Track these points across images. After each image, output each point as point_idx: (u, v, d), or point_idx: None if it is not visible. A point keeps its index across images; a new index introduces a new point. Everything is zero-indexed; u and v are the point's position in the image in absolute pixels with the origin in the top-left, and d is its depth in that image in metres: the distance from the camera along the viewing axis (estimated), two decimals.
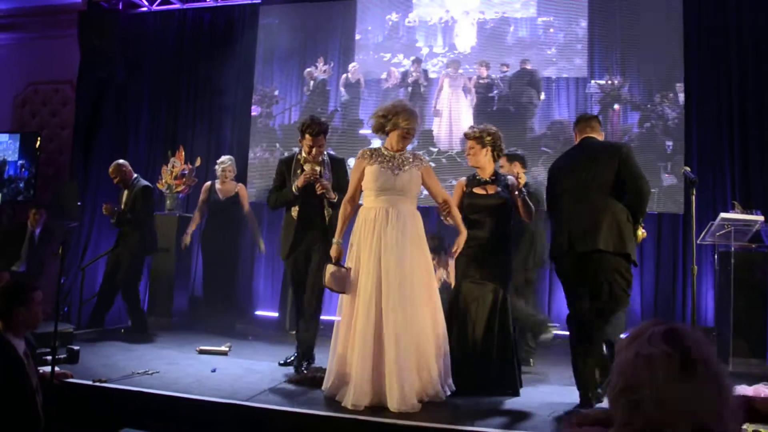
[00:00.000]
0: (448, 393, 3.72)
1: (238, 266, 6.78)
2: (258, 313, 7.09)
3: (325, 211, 4.45)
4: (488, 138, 4.05)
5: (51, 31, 8.47)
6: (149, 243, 6.13)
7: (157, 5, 7.88)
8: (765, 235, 5.22)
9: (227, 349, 5.10)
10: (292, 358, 4.55)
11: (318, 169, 4.42)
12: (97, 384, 3.77)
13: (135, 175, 6.13)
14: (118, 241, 6.05)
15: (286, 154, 6.40)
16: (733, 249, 5.12)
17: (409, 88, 7.08)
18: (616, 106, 6.50)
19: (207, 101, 7.67)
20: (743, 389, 4.01)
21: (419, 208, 3.95)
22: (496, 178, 4.11)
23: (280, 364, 4.59)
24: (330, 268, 3.72)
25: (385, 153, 3.80)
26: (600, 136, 3.97)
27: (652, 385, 1.16)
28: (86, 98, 7.90)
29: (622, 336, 3.60)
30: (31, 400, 2.91)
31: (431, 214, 6.45)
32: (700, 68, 6.29)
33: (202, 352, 5.03)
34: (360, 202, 3.91)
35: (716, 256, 5.52)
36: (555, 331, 4.94)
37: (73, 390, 3.72)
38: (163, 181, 6.78)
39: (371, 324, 3.52)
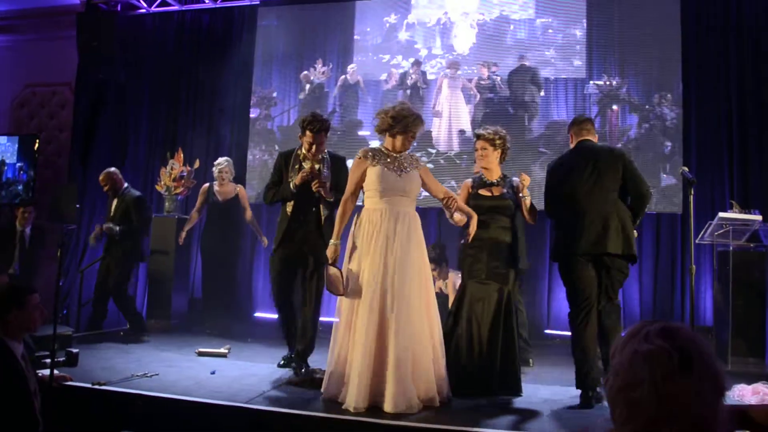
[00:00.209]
0: (447, 397, 3.72)
1: (237, 268, 6.78)
2: (257, 314, 7.09)
3: (321, 211, 4.41)
4: (499, 141, 4.11)
5: (49, 32, 8.46)
6: (137, 253, 6.19)
7: (156, 7, 7.87)
8: (763, 234, 5.23)
9: (226, 351, 5.10)
10: (287, 359, 4.55)
11: (317, 167, 4.39)
12: (97, 387, 3.77)
13: (125, 184, 6.19)
14: (106, 251, 6.10)
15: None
16: (731, 249, 5.13)
17: (408, 90, 7.08)
18: (614, 107, 6.51)
19: (206, 103, 7.66)
20: (742, 388, 4.03)
21: (419, 210, 3.96)
22: (503, 179, 4.14)
23: (279, 366, 4.59)
24: (332, 270, 3.70)
25: (387, 154, 3.79)
26: (594, 138, 4.04)
27: (652, 382, 1.16)
28: (85, 100, 7.90)
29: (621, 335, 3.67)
30: (29, 403, 2.90)
31: (430, 218, 6.46)
32: (699, 68, 6.29)
33: (201, 354, 5.03)
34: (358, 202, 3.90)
35: (715, 256, 5.53)
36: (552, 332, 4.96)
37: (73, 393, 3.72)
38: (162, 183, 6.77)
39: (373, 325, 3.50)
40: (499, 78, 6.83)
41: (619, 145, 6.40)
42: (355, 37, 7.34)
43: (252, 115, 7.51)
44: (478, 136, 4.16)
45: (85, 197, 7.60)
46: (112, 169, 6.23)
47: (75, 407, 3.66)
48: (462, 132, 6.89)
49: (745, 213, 5.16)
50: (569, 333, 4.05)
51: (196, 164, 6.90)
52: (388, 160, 3.75)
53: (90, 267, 6.78)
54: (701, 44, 6.31)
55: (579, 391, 3.82)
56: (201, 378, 4.21)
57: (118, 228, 5.89)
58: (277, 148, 7.32)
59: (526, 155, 6.47)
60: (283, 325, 4.62)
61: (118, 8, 7.92)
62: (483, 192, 4.12)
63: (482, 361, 3.95)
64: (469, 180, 4.27)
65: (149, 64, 7.86)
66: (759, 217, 5.09)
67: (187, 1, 7.85)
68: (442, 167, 6.82)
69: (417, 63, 7.09)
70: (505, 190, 4.10)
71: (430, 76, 7.07)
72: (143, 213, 6.12)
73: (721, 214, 5.15)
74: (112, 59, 7.65)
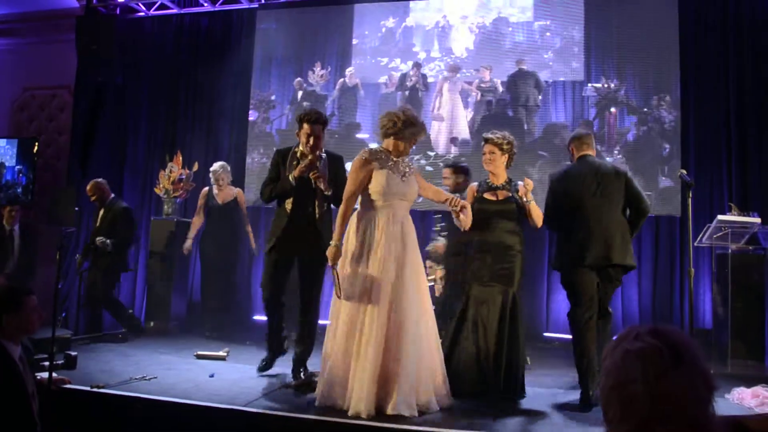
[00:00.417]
0: (446, 400, 3.72)
1: (236, 271, 6.77)
2: (256, 317, 7.08)
3: (316, 209, 4.31)
4: (507, 145, 4.16)
5: (48, 36, 8.48)
6: (122, 264, 6.29)
7: (155, 10, 7.88)
8: (762, 237, 5.23)
9: (225, 354, 5.10)
10: (267, 361, 4.50)
11: (323, 157, 4.33)
12: (95, 390, 3.77)
13: (112, 195, 6.32)
14: (93, 261, 6.15)
15: None
16: (730, 251, 5.14)
17: (407, 92, 7.09)
18: (612, 110, 6.52)
19: (204, 106, 7.67)
20: (741, 391, 4.03)
21: (420, 212, 3.97)
22: (508, 183, 4.18)
23: (260, 369, 4.49)
24: (333, 273, 3.65)
25: (389, 157, 3.76)
26: (594, 152, 4.25)
27: (644, 380, 1.18)
28: (84, 103, 7.91)
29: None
30: (26, 406, 2.89)
31: (428, 219, 6.45)
32: (697, 71, 6.31)
33: (200, 357, 5.02)
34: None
35: (713, 259, 5.53)
36: (551, 335, 5.02)
37: (71, 396, 3.72)
38: (161, 186, 6.78)
39: (382, 330, 3.49)
40: (499, 81, 6.84)
41: (618, 148, 6.44)
42: (354, 40, 7.35)
43: (250, 119, 7.52)
44: (487, 140, 4.20)
45: (84, 200, 7.60)
46: (100, 179, 6.37)
47: (74, 410, 3.66)
48: (460, 136, 6.90)
49: (744, 215, 5.16)
50: (568, 336, 4.14)
51: (195, 167, 6.90)
52: (390, 163, 3.74)
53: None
54: (699, 47, 6.32)
55: (579, 395, 3.87)
56: (200, 381, 4.21)
57: (109, 241, 5.95)
58: (275, 151, 7.32)
59: (524, 158, 6.46)
60: (270, 326, 4.50)
61: (117, 12, 7.94)
62: (488, 196, 4.16)
63: (488, 363, 3.97)
64: (475, 184, 4.31)
65: (148, 68, 7.87)
66: (758, 220, 5.10)
67: (186, 5, 7.86)
68: (441, 170, 6.81)
69: (417, 65, 7.10)
70: (510, 194, 4.14)
71: (428, 80, 7.08)
72: (129, 225, 6.26)
73: (720, 217, 5.16)
74: (111, 62, 7.67)
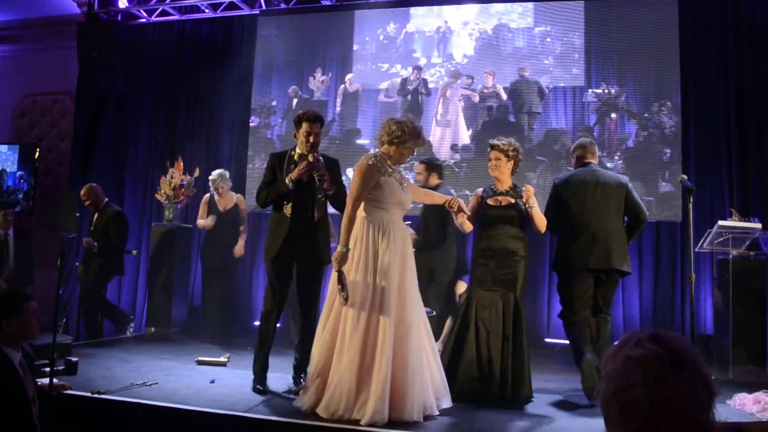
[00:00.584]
0: (448, 404, 3.72)
1: (237, 277, 6.78)
2: (257, 323, 7.06)
3: (315, 213, 4.22)
4: (513, 152, 4.21)
5: (50, 42, 8.51)
6: (117, 267, 6.46)
7: (156, 17, 7.91)
8: (763, 242, 5.23)
9: (226, 360, 5.10)
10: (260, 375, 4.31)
11: (320, 160, 4.24)
12: (96, 396, 3.76)
13: (106, 199, 6.45)
14: (86, 264, 6.32)
15: None
16: (731, 257, 5.13)
17: (409, 97, 7.11)
18: (613, 115, 6.52)
19: (206, 112, 7.69)
20: (743, 397, 4.02)
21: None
22: (512, 189, 4.23)
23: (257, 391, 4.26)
24: (340, 278, 3.59)
25: (390, 165, 3.75)
26: (596, 161, 4.49)
27: (645, 385, 1.19)
28: (85, 109, 7.93)
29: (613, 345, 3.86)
30: (26, 411, 2.89)
31: None
32: (697, 76, 6.32)
33: (200, 363, 5.02)
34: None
35: (715, 264, 5.52)
36: (552, 340, 5.14)
37: (72, 402, 3.71)
38: (162, 191, 6.78)
39: (391, 336, 3.47)
40: (501, 87, 6.85)
41: (618, 154, 6.44)
42: (355, 46, 7.37)
43: (252, 124, 7.53)
44: (493, 147, 4.24)
45: (85, 206, 7.60)
46: (94, 184, 6.49)
47: (74, 416, 3.65)
48: (461, 142, 6.90)
49: (745, 221, 5.16)
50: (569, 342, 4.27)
51: (196, 173, 6.91)
52: (391, 170, 3.74)
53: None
54: (699, 52, 6.34)
55: (580, 398, 3.97)
56: (200, 387, 4.20)
57: (96, 244, 6.17)
58: None
59: (524, 164, 6.38)
60: (268, 341, 4.30)
61: (119, 18, 7.97)
62: (492, 201, 4.21)
63: (491, 367, 3.98)
64: (480, 189, 4.36)
65: (149, 74, 7.89)
66: (758, 225, 5.09)
67: (187, 11, 7.89)
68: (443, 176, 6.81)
69: (417, 68, 7.12)
70: (514, 200, 4.18)
71: (429, 85, 7.09)
72: (121, 228, 6.35)
73: (721, 222, 5.16)
74: (113, 68, 7.70)
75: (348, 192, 3.83)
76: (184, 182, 6.79)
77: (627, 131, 6.50)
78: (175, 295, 6.68)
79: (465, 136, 6.91)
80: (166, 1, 7.77)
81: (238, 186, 6.97)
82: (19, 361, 2.99)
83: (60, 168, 8.41)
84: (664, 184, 6.29)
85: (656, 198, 6.26)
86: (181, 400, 3.76)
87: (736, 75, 6.18)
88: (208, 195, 6.47)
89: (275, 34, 7.60)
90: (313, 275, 4.32)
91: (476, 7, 7.08)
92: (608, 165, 6.33)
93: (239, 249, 6.34)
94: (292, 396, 4.00)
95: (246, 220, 6.46)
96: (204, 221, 6.35)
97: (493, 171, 4.24)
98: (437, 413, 3.61)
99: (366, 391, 3.41)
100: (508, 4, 6.99)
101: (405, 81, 7.15)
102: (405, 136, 3.71)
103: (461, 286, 5.34)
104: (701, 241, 5.26)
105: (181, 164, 6.88)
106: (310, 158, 4.14)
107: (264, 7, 7.60)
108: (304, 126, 4.20)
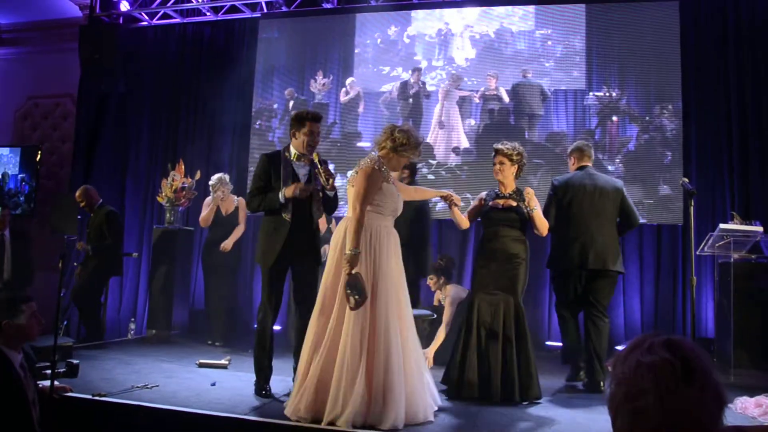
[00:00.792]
0: (435, 407, 3.71)
1: (238, 279, 6.78)
2: (256, 326, 7.07)
3: (314, 214, 4.18)
4: (517, 156, 4.27)
5: (52, 45, 8.53)
6: (114, 267, 6.47)
7: (158, 19, 7.93)
8: (764, 245, 5.22)
9: (227, 362, 5.10)
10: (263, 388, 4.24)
11: (323, 160, 4.13)
12: (97, 398, 3.76)
13: (100, 200, 6.47)
14: (83, 265, 6.34)
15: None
16: (732, 260, 5.12)
17: (410, 99, 7.11)
18: (614, 118, 6.53)
19: (207, 114, 7.69)
20: (745, 401, 4.01)
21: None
22: (516, 193, 4.27)
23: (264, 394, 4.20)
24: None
25: (387, 170, 3.74)
26: (591, 164, 4.69)
27: (656, 392, 1.17)
28: (87, 112, 7.94)
29: (619, 348, 3.95)
30: (27, 413, 2.89)
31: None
32: (698, 79, 6.32)
33: (201, 365, 5.02)
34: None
35: (716, 267, 5.52)
36: (553, 343, 5.25)
37: (73, 404, 3.71)
38: (163, 194, 6.78)
39: (397, 339, 3.47)
40: (503, 89, 6.86)
41: (619, 157, 6.45)
42: (356, 49, 7.38)
43: (253, 127, 7.53)
44: (497, 151, 4.29)
45: (80, 207, 7.60)
46: (88, 185, 6.53)
47: (75, 418, 3.65)
48: (462, 145, 6.91)
49: (746, 224, 5.16)
50: None
51: (198, 175, 6.90)
52: (388, 176, 3.74)
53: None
54: (700, 55, 6.34)
55: (582, 400, 4.10)
56: (201, 389, 4.20)
57: (90, 247, 6.22)
58: None
59: (525, 166, 6.46)
60: (267, 346, 4.22)
61: (120, 21, 7.98)
62: (495, 204, 4.25)
63: (495, 370, 4.00)
64: (484, 193, 4.42)
65: (151, 76, 7.91)
66: (760, 229, 5.10)
67: (189, 14, 7.91)
68: (443, 178, 6.83)
69: (418, 71, 7.12)
70: (516, 204, 4.22)
71: (430, 88, 7.10)
72: (115, 227, 6.36)
73: (722, 226, 5.16)
74: (114, 71, 7.71)
75: (355, 195, 3.67)
76: (185, 185, 6.79)
77: (628, 134, 6.50)
78: (175, 297, 6.68)
79: (465, 139, 6.91)
80: (168, 4, 7.79)
81: (240, 189, 6.96)
82: (20, 363, 2.99)
83: (61, 170, 8.42)
84: (665, 187, 6.29)
85: (657, 201, 6.26)
86: (181, 403, 3.75)
87: (737, 78, 6.19)
88: (209, 198, 6.41)
89: (276, 37, 7.61)
90: (311, 278, 4.28)
91: (477, 10, 7.09)
92: (609, 168, 6.33)
93: (227, 244, 6.20)
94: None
95: (245, 219, 6.41)
96: (206, 215, 6.32)
97: (496, 175, 4.32)
98: (432, 419, 3.55)
99: (387, 399, 3.34)
100: (509, 8, 6.99)
101: (406, 84, 7.16)
102: (408, 145, 3.72)
103: (447, 290, 5.39)
104: (702, 244, 5.26)
105: (182, 167, 6.87)
106: (316, 158, 4.07)
107: (265, 11, 7.61)
108: (308, 126, 4.12)
